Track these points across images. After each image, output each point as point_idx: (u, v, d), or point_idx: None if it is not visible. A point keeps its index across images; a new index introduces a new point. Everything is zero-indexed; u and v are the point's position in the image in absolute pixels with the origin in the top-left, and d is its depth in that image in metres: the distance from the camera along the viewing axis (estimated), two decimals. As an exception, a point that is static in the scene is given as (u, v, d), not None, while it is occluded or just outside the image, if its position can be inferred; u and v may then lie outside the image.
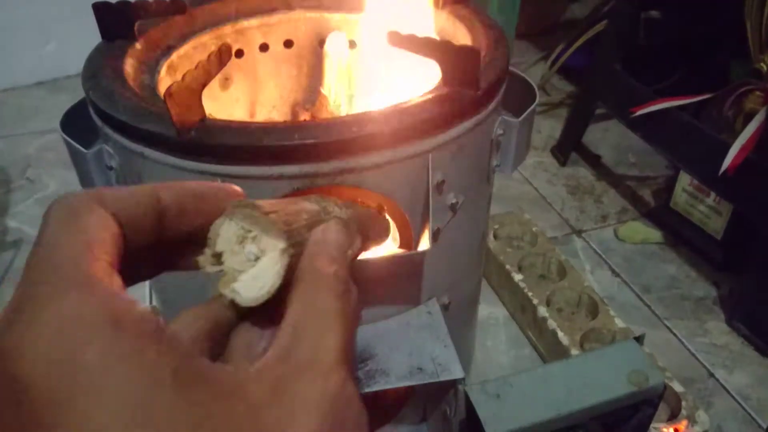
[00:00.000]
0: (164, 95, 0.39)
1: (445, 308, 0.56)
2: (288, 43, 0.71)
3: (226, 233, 0.22)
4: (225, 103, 0.69)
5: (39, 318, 0.16)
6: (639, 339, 0.53)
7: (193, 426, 0.15)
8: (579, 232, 0.99)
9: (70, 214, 0.18)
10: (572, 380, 0.49)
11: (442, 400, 0.53)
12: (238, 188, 0.24)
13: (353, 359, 0.20)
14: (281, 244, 0.22)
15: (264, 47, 0.70)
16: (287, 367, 0.18)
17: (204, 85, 0.44)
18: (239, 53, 0.68)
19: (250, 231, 0.22)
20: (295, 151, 0.41)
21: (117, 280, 0.18)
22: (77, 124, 0.51)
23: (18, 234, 0.99)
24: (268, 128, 0.42)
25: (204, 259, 0.22)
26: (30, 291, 0.16)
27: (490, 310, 0.85)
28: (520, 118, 0.53)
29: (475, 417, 0.47)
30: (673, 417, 0.65)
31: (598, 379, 0.49)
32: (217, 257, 0.22)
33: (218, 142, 0.41)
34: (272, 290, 0.21)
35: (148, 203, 0.21)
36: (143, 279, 0.23)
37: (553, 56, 1.30)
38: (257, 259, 0.22)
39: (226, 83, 0.69)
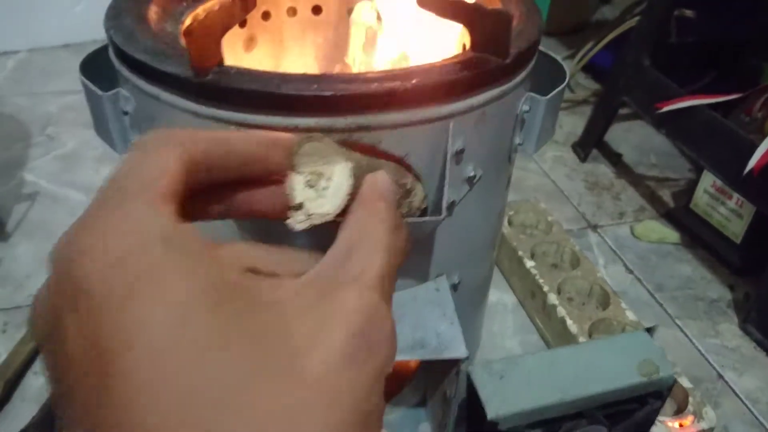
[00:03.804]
0: (184, 33, 0.39)
1: (454, 288, 0.54)
2: (316, 10, 0.71)
3: (298, 185, 0.23)
4: (247, 65, 0.68)
5: (100, 226, 0.17)
6: (650, 330, 0.52)
7: (224, 341, 0.15)
8: (594, 227, 0.98)
9: (145, 145, 0.20)
10: (579, 366, 0.48)
11: (443, 380, 0.52)
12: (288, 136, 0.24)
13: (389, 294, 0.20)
14: (350, 164, 0.23)
15: (292, 11, 0.69)
16: (329, 282, 0.18)
17: (226, 29, 0.43)
18: (266, 15, 0.68)
19: (317, 173, 0.24)
20: (312, 101, 0.40)
21: (175, 207, 0.18)
22: (98, 71, 0.51)
23: (34, 187, 0.99)
24: (286, 77, 0.41)
25: (292, 217, 0.23)
26: (95, 205, 0.18)
27: (499, 295, 0.84)
28: (548, 96, 0.51)
29: (477, 397, 0.46)
30: (679, 412, 0.64)
31: (606, 367, 0.48)
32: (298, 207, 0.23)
33: (235, 87, 0.40)
34: (340, 207, 0.23)
35: (221, 148, 0.21)
36: (214, 218, 0.23)
37: (581, 53, 1.29)
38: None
39: (250, 44, 0.68)
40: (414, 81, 0.41)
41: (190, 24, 0.39)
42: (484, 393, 0.45)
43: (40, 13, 1.39)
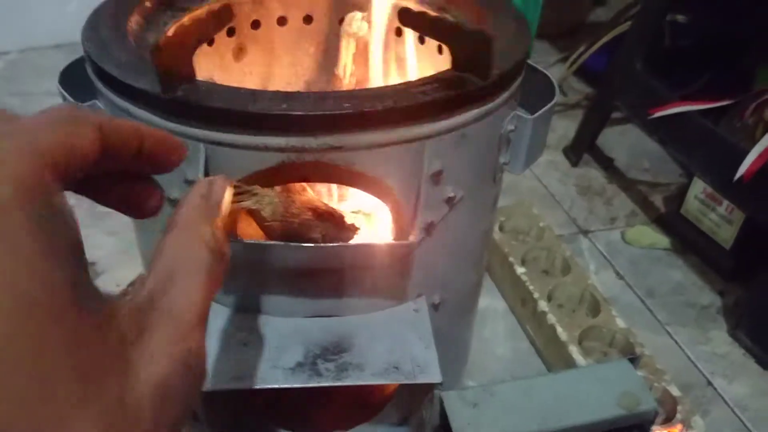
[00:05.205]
0: (151, 49, 0.38)
1: (434, 308, 0.53)
2: (307, 19, 0.70)
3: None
4: (237, 75, 0.68)
5: None
6: (634, 360, 0.51)
7: (66, 345, 0.16)
8: (586, 232, 0.98)
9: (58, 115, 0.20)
10: (557, 396, 0.47)
11: (420, 403, 0.51)
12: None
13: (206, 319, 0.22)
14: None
15: (282, 20, 0.69)
16: (152, 312, 0.20)
17: (198, 43, 0.43)
18: (256, 24, 0.67)
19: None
20: (282, 120, 0.39)
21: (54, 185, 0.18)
22: (81, 80, 0.50)
23: (25, 192, 0.98)
24: (256, 94, 0.40)
25: None
26: None
27: (490, 301, 0.84)
28: (535, 115, 0.50)
29: (448, 425, 0.45)
30: (667, 420, 0.64)
31: (585, 398, 0.47)
32: None
33: (203, 104, 0.39)
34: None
35: (133, 139, 0.22)
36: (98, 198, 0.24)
37: (573, 57, 1.29)
38: None
39: (239, 54, 0.68)
40: (387, 101, 0.40)
41: (158, 39, 0.38)
42: (456, 421, 0.44)
43: (32, 12, 1.39)
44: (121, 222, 0.88)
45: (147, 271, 0.21)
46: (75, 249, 0.18)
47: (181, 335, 0.20)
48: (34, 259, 0.16)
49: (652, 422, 0.48)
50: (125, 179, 0.25)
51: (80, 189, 0.23)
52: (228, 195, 0.26)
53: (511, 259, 0.82)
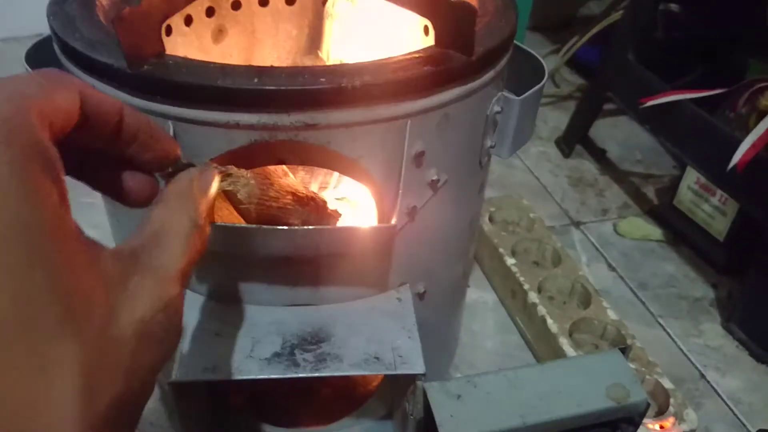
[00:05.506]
0: (113, 20, 0.36)
1: (419, 297, 0.52)
2: (290, 0, 0.68)
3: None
4: (216, 58, 0.66)
5: None
6: (624, 351, 0.49)
7: (51, 270, 0.17)
8: (577, 224, 0.97)
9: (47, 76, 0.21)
10: (544, 388, 0.45)
11: (403, 395, 0.49)
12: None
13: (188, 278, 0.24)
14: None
15: (264, 1, 0.67)
16: (135, 263, 0.21)
17: (166, 16, 0.41)
18: (236, 5, 0.65)
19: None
20: (254, 96, 0.37)
21: (50, 128, 0.19)
22: (48, 59, 0.48)
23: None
24: (226, 69, 0.38)
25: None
26: None
27: (480, 293, 0.82)
28: (522, 97, 0.48)
29: (431, 417, 0.43)
30: (660, 413, 0.62)
31: (573, 390, 0.45)
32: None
33: (171, 79, 0.37)
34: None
35: (113, 112, 0.23)
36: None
37: (565, 48, 1.27)
38: None
39: (219, 35, 0.66)
40: (364, 77, 0.38)
41: (121, 11, 0.36)
42: (439, 414, 0.42)
43: (13, 1, 1.36)
44: (104, 214, 0.86)
45: (132, 235, 0.23)
46: (59, 188, 0.18)
47: (160, 285, 0.21)
48: (21, 190, 0.16)
49: (642, 415, 0.46)
50: (121, 167, 0.26)
51: (78, 174, 0.25)
52: (216, 184, 0.28)
53: (500, 250, 0.80)
